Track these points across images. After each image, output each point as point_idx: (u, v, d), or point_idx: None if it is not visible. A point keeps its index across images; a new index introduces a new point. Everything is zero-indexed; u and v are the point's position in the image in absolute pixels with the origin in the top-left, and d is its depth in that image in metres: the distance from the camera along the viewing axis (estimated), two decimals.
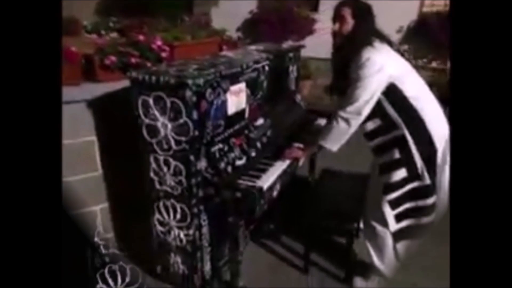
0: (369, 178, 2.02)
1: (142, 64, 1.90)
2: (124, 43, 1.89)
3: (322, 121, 2.58)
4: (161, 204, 1.78)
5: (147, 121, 1.62)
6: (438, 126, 1.74)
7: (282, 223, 2.36)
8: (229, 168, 1.68)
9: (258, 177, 1.75)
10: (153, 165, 1.71)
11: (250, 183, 1.68)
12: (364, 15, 1.72)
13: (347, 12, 1.70)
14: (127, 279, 1.70)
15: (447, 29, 5.30)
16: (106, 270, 1.69)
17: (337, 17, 1.73)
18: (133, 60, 1.84)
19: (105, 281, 1.68)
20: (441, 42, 5.38)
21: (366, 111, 1.68)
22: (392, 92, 1.68)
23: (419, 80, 1.76)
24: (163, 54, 1.98)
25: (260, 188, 1.64)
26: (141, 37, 1.89)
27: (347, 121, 1.70)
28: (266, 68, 2.05)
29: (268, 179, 1.75)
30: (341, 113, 1.71)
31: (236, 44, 2.81)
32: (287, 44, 2.56)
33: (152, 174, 1.74)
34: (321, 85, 5.59)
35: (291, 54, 2.42)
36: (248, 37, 5.80)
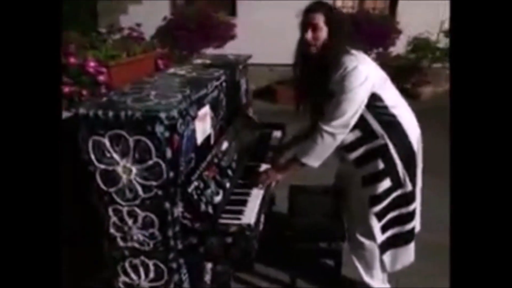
0: (346, 191, 1.93)
1: (77, 92, 1.52)
2: None
3: (277, 134, 2.44)
4: (127, 264, 1.43)
5: (102, 166, 1.28)
6: (413, 129, 1.73)
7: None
8: (210, 209, 1.42)
9: (240, 212, 1.53)
10: (113, 218, 1.37)
11: (235, 221, 1.44)
12: (339, 22, 1.61)
13: (320, 19, 1.57)
14: None
15: (357, 30, 5.63)
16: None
17: (309, 24, 1.58)
18: (66, 89, 1.46)
19: None
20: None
21: (352, 123, 1.58)
22: (374, 101, 1.60)
23: (393, 86, 1.72)
24: (101, 77, 1.62)
25: (248, 225, 1.42)
26: (72, 60, 1.51)
27: (333, 135, 1.58)
28: (224, 84, 1.82)
29: (252, 213, 1.53)
30: (326, 128, 1.57)
31: (171, 57, 2.51)
32: (233, 55, 2.35)
33: (112, 230, 1.39)
34: (251, 91, 5.50)
35: (240, 66, 2.22)
36: (165, 45, 5.42)
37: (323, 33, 1.59)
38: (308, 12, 1.62)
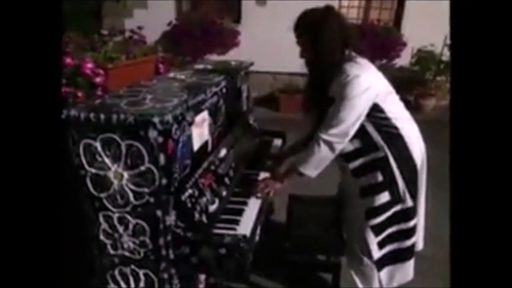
0: (345, 202, 1.88)
1: (72, 94, 1.49)
2: None
3: (278, 142, 2.39)
4: (116, 272, 1.38)
5: (93, 171, 1.24)
6: (417, 145, 1.67)
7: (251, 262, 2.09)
8: (204, 218, 1.37)
9: (236, 222, 1.47)
10: (104, 225, 1.32)
11: (230, 232, 1.39)
12: (329, 29, 1.54)
13: (300, 34, 1.56)
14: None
15: (362, 41, 5.60)
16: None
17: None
18: None
19: None
20: None
21: (352, 133, 1.53)
22: (375, 112, 1.55)
23: (397, 99, 1.67)
24: (98, 79, 1.58)
25: (244, 236, 1.37)
26: (68, 60, 1.48)
27: (330, 144, 1.53)
28: (224, 90, 1.78)
29: (248, 223, 1.48)
30: (324, 136, 1.53)
31: (172, 62, 2.48)
32: (235, 62, 2.31)
33: (102, 237, 1.34)
34: (252, 98, 5.47)
35: (242, 73, 2.19)
36: (169, 50, 5.41)
37: (308, 44, 1.57)
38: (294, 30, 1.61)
